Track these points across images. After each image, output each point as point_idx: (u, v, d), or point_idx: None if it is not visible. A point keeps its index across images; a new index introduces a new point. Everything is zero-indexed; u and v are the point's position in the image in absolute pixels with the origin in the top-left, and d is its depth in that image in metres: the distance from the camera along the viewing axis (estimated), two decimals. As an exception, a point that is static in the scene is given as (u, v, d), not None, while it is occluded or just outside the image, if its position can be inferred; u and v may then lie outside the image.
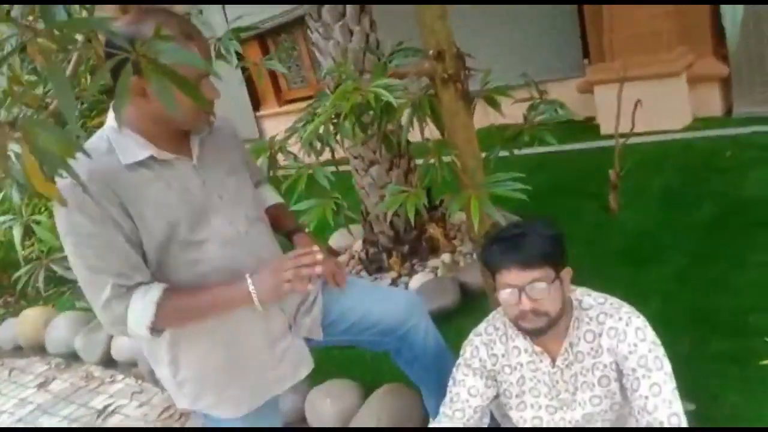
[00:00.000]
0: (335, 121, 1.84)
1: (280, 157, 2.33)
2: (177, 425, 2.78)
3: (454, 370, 1.52)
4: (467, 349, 1.51)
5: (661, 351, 1.33)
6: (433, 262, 3.09)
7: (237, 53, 2.07)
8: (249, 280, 1.30)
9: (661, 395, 1.28)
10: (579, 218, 3.29)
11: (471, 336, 1.53)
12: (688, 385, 1.96)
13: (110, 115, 1.34)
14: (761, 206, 2.86)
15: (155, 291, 1.27)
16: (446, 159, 1.81)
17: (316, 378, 2.54)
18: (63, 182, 1.16)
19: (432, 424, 1.50)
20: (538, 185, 3.88)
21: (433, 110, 1.77)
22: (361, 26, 2.92)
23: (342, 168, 3.34)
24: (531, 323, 1.31)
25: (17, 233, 1.86)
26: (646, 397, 1.28)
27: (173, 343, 1.41)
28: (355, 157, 3.12)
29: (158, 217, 1.29)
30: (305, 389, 2.46)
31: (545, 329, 1.32)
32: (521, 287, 1.29)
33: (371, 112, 1.81)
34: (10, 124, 0.85)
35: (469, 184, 1.75)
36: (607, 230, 3.08)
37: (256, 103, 6.96)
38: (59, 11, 0.89)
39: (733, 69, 3.85)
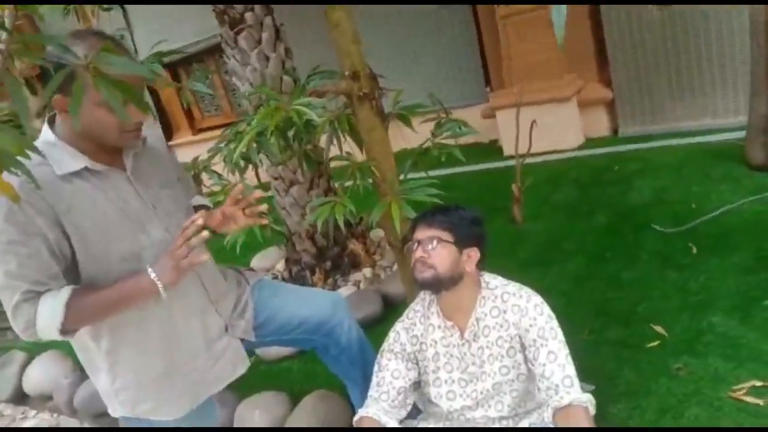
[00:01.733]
0: (259, 139, 1.95)
1: (205, 177, 2.42)
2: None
3: (379, 356, 1.66)
4: (390, 336, 1.67)
5: (555, 323, 1.53)
6: (355, 276, 3.22)
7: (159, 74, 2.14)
8: (149, 269, 1.34)
9: (556, 361, 1.46)
10: (488, 230, 3.53)
11: (395, 324, 1.69)
12: (588, 369, 2.19)
13: (44, 129, 1.39)
14: (644, 211, 3.21)
15: (64, 292, 1.30)
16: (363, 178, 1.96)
17: (244, 392, 2.59)
18: None
19: (359, 410, 1.62)
20: (452, 201, 4.15)
21: (351, 126, 1.92)
22: (276, 53, 3.05)
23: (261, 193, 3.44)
24: (420, 273, 1.53)
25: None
26: (544, 364, 1.47)
27: (111, 351, 1.45)
28: (275, 179, 3.22)
29: (95, 226, 1.35)
30: (234, 403, 2.50)
31: (431, 282, 1.53)
32: (421, 240, 1.55)
33: (293, 130, 1.94)
34: (-38, 129, 0.91)
35: (388, 193, 1.91)
36: (514, 240, 3.34)
37: (169, 133, 6.89)
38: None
39: (617, 93, 4.29)
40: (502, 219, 3.57)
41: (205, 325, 1.54)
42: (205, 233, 1.37)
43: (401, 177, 2.00)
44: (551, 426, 1.45)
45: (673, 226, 2.94)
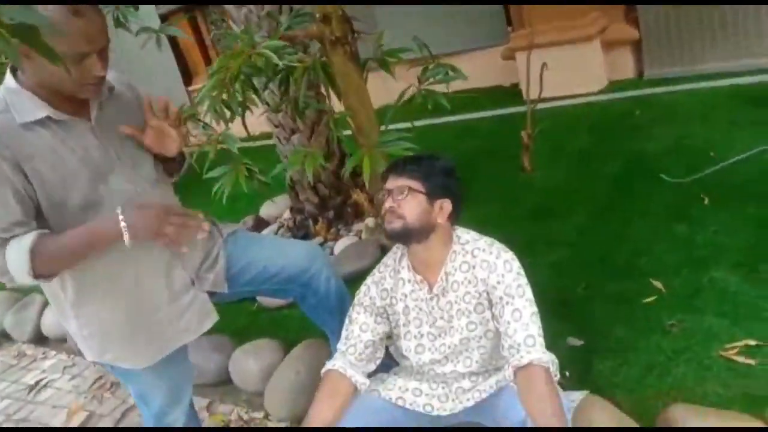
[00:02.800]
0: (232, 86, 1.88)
1: (191, 127, 2.38)
2: (108, 395, 2.83)
3: (350, 309, 1.64)
4: (361, 289, 1.64)
5: (524, 281, 1.47)
6: (357, 227, 3.19)
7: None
8: (120, 215, 1.32)
9: (521, 320, 1.41)
10: (497, 179, 3.44)
11: (366, 278, 1.66)
12: (578, 324, 2.14)
13: (7, 76, 1.37)
14: (660, 159, 3.06)
15: (28, 238, 1.30)
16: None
17: (243, 339, 2.64)
18: None
19: (327, 362, 1.61)
20: (465, 149, 4.06)
21: (327, 74, 1.84)
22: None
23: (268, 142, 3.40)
24: (389, 223, 1.49)
25: None
26: (509, 322, 1.42)
27: (76, 301, 1.48)
28: (276, 126, 3.18)
29: (55, 175, 1.34)
30: (230, 350, 2.54)
31: (400, 233, 1.49)
32: (390, 190, 1.50)
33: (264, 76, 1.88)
34: None
35: (363, 144, 1.85)
36: (521, 189, 3.24)
37: (188, 78, 6.86)
38: None
39: (643, 33, 4.03)
40: (512, 167, 3.46)
41: (169, 279, 1.53)
42: (202, 235, 1.40)
43: (383, 128, 1.94)
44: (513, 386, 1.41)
45: (688, 175, 2.79)
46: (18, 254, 1.30)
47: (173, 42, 6.47)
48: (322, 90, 2.76)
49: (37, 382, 3.13)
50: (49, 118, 1.35)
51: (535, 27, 3.82)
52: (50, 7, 1.22)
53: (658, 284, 2.19)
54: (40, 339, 3.48)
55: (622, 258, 2.43)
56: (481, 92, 4.51)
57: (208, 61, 6.69)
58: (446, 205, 1.52)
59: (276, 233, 3.44)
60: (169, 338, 1.57)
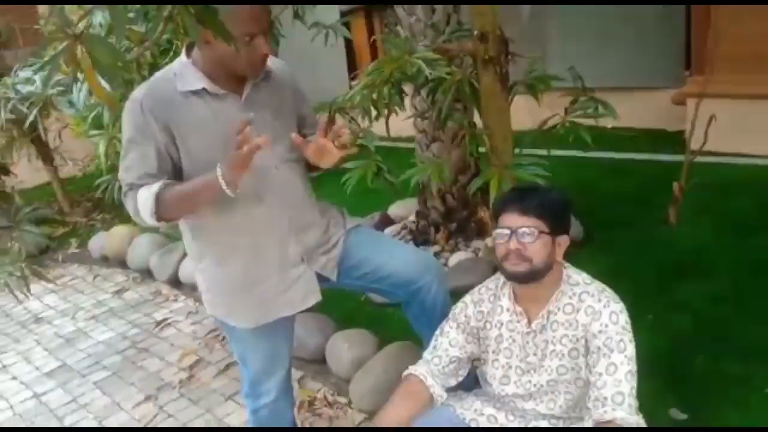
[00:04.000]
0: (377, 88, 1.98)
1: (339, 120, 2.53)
2: (219, 345, 3.08)
3: (443, 322, 1.66)
4: (458, 306, 1.65)
5: (628, 336, 1.40)
6: (476, 244, 3.19)
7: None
8: (218, 170, 1.44)
9: (614, 375, 1.35)
10: (636, 226, 3.26)
11: (465, 296, 1.67)
12: (686, 397, 1.99)
13: (183, 52, 1.58)
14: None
15: (155, 186, 1.50)
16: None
17: (344, 325, 2.76)
18: (132, 95, 1.49)
19: (411, 366, 1.65)
20: (606, 189, 3.88)
21: (474, 90, 1.87)
22: (444, 7, 3.02)
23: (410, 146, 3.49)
24: (514, 265, 1.44)
25: (102, 146, 2.17)
26: (600, 374, 1.36)
27: (199, 257, 1.68)
28: (420, 132, 3.25)
29: (199, 142, 1.53)
30: (330, 332, 2.67)
31: (525, 276, 1.45)
32: (514, 229, 1.44)
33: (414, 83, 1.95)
34: (76, 37, 1.07)
35: (495, 163, 1.85)
36: (660, 241, 3.04)
37: (355, 75, 7.14)
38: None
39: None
40: (655, 216, 3.24)
41: (283, 251, 1.66)
42: (254, 145, 1.41)
43: (517, 151, 1.93)
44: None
45: None
46: (146, 198, 1.50)
47: (347, 38, 6.79)
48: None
49: (164, 319, 3.49)
50: (205, 90, 1.53)
51: (715, 75, 3.54)
52: None
53: (788, 376, 1.98)
54: (176, 282, 3.87)
55: (754, 338, 2.21)
56: (640, 133, 4.28)
57: (374, 56, 6.96)
58: (564, 242, 1.49)
59: (398, 233, 3.53)
60: (272, 306, 1.69)
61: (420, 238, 3.34)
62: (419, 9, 3.01)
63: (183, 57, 1.57)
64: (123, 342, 3.35)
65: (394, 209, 3.87)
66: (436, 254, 3.19)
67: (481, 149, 2.17)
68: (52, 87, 2.06)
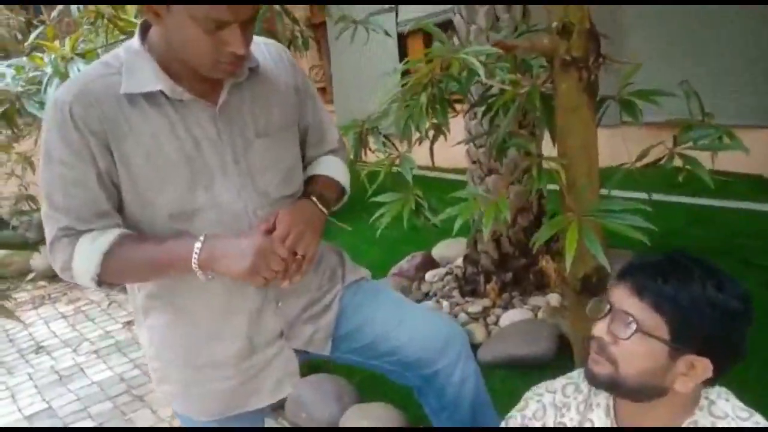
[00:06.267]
0: (411, 100, 1.51)
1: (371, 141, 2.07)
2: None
3: (505, 421, 1.14)
4: (531, 405, 1.12)
5: None
6: (536, 301, 2.62)
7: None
8: (198, 246, 1.03)
9: None
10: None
11: (542, 390, 1.14)
12: None
13: (136, 34, 1.11)
14: None
15: (106, 237, 1.05)
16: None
17: (366, 395, 2.25)
18: (54, 95, 1.05)
19: None
20: (689, 241, 3.24)
21: (546, 105, 1.36)
22: (510, 14, 2.54)
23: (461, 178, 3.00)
24: (594, 362, 0.96)
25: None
26: None
27: (145, 308, 1.21)
28: (474, 162, 2.75)
29: (147, 166, 1.06)
30: (348, 401, 2.17)
31: (604, 385, 0.96)
32: (613, 307, 0.95)
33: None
34: None
35: (573, 207, 1.33)
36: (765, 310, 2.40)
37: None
38: None
39: None
40: (758, 280, 2.61)
41: (255, 323, 1.18)
42: (297, 278, 1.11)
43: (603, 192, 1.41)
44: None
45: None
46: (89, 254, 1.04)
47: (402, 48, 6.38)
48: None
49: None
50: (162, 93, 1.05)
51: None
52: None
53: None
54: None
55: None
56: (733, 177, 3.64)
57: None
58: (702, 366, 0.90)
59: (441, 279, 3.00)
60: (237, 397, 1.21)
61: (467, 287, 2.80)
62: (480, 15, 2.54)
63: (135, 40, 1.09)
64: (118, 386, 2.93)
65: (440, 250, 3.35)
66: (485, 309, 2.64)
67: (551, 185, 1.65)
68: (25, 83, 1.70)
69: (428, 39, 6.43)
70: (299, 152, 1.27)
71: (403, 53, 6.41)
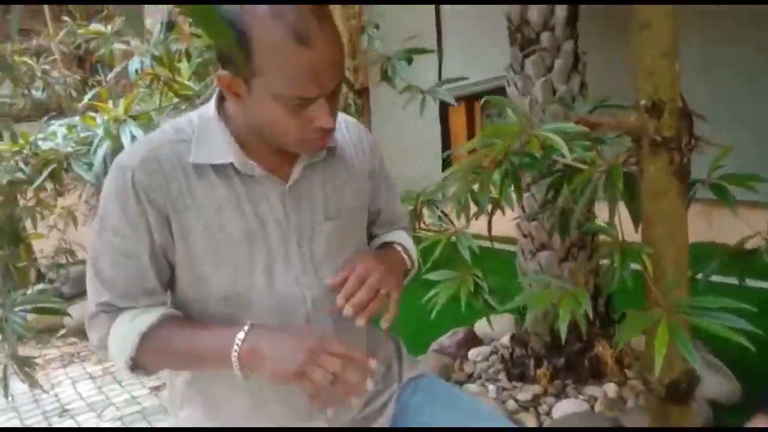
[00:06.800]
0: (479, 172, 1.42)
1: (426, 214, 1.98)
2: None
3: None
4: None
5: None
6: (592, 390, 2.41)
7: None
8: (240, 338, 0.90)
9: None
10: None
11: None
12: None
13: (212, 101, 1.04)
14: None
15: (146, 317, 0.96)
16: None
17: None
18: (119, 158, 1.00)
19: None
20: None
21: (629, 185, 1.24)
22: (568, 86, 2.46)
23: (510, 247, 2.86)
24: None
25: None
26: None
27: (183, 398, 1.11)
28: (525, 236, 2.61)
29: (206, 239, 0.97)
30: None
31: None
32: None
33: (534, 171, 1.36)
34: None
35: (660, 302, 1.18)
36: None
37: (448, 161, 6.71)
38: None
39: None
40: None
41: (299, 428, 1.05)
42: (369, 385, 0.94)
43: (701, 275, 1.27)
44: None
45: None
46: (127, 333, 0.95)
47: (443, 115, 6.37)
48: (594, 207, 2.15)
49: None
50: (232, 165, 0.98)
51: None
52: (262, 21, 0.86)
53: None
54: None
55: None
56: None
57: (473, 149, 6.51)
58: None
59: (486, 359, 2.82)
60: None
61: (515, 370, 2.61)
62: (537, 87, 2.46)
63: (210, 108, 1.02)
64: (141, 457, 2.78)
65: (484, 325, 3.17)
66: (535, 397, 2.44)
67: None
68: (76, 143, 1.66)
69: (469, 105, 6.45)
70: (366, 239, 1.18)
71: (444, 120, 6.42)
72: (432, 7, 6.11)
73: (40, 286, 5.01)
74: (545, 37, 2.44)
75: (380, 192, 1.21)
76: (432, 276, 1.61)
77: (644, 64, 1.15)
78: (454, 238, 1.66)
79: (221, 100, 1.02)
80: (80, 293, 5.43)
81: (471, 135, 6.43)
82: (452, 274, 1.61)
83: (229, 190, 0.98)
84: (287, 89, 0.87)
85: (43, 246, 4.91)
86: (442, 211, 1.85)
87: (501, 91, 6.26)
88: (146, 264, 0.97)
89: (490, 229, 1.79)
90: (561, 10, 2.41)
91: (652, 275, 1.20)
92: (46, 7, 4.26)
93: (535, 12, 2.42)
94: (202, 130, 0.99)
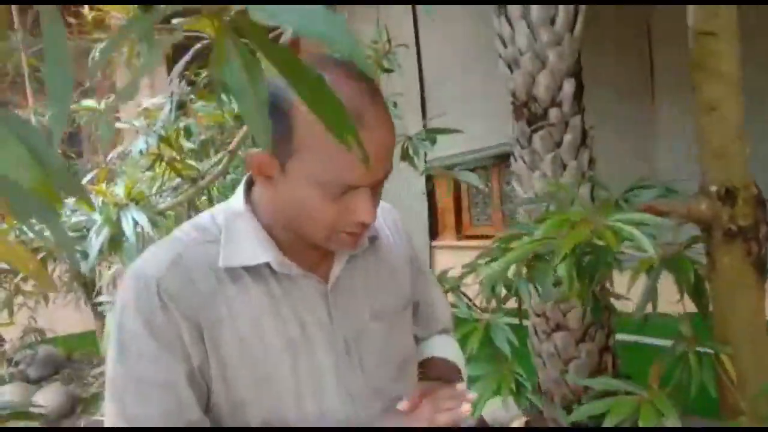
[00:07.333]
0: (533, 262, 1.31)
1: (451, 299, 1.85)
2: None
3: None
4: None
5: None
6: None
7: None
8: None
9: None
10: None
11: None
12: None
13: (238, 192, 0.89)
14: None
15: None
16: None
17: None
18: (135, 267, 0.81)
19: None
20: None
21: (697, 278, 1.14)
22: (577, 161, 2.41)
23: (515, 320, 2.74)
24: None
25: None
26: None
27: None
28: (538, 315, 2.50)
29: (242, 355, 0.80)
30: None
31: None
32: None
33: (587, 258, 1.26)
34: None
35: (742, 408, 1.06)
36: None
37: (434, 233, 6.65)
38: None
39: None
40: None
41: None
42: (466, 407, 0.85)
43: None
44: None
45: None
46: None
47: (430, 189, 6.38)
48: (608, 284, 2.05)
49: None
50: (268, 266, 0.83)
51: None
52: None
53: None
54: None
55: None
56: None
57: (459, 221, 6.45)
58: None
59: (500, 448, 2.63)
60: None
61: (534, 462, 2.44)
62: (546, 161, 2.40)
63: (238, 200, 0.87)
64: None
65: (494, 410, 2.99)
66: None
67: (619, 336, 1.39)
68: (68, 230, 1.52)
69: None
70: (413, 341, 1.03)
71: (431, 194, 6.40)
72: (416, 75, 6.19)
73: (6, 369, 4.68)
74: (553, 113, 2.41)
75: (418, 281, 1.06)
76: (472, 371, 1.48)
77: (712, 147, 1.07)
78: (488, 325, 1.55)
79: (248, 190, 0.89)
80: (46, 376, 5.07)
81: (457, 207, 6.42)
82: (491, 368, 1.49)
83: (264, 293, 0.83)
84: (331, 174, 0.74)
85: (11, 327, 4.62)
86: (469, 298, 1.72)
87: (480, 161, 6.27)
88: (185, 393, 0.78)
89: (520, 315, 1.67)
90: (568, 86, 2.38)
91: (731, 377, 1.09)
92: (26, 79, 4.14)
93: (542, 88, 2.40)
94: (230, 228, 0.84)
